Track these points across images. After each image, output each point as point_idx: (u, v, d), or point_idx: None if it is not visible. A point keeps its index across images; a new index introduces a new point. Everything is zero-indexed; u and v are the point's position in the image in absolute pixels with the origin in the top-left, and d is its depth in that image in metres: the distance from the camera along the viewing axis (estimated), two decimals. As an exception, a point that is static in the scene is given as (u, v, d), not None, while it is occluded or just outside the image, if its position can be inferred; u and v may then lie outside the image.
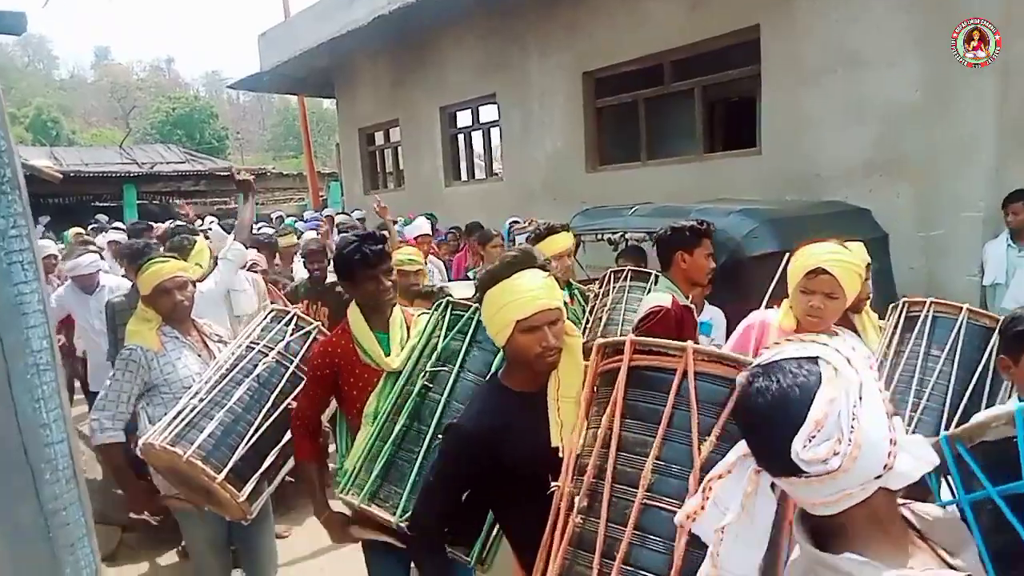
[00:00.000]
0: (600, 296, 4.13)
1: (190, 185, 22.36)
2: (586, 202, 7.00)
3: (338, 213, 8.23)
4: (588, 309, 4.14)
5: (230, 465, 2.62)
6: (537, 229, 3.95)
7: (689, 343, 1.46)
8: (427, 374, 2.28)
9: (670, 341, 1.49)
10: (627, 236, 5.49)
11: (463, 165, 11.62)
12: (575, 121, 8.85)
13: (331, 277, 4.89)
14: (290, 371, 2.87)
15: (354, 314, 2.54)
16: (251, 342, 2.94)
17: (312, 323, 3.06)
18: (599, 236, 5.76)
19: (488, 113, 10.67)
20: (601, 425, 1.54)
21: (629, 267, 4.19)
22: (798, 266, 2.48)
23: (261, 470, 2.72)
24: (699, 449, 1.37)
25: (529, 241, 3.91)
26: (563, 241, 3.81)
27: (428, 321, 2.46)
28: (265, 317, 3.07)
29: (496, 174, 11.11)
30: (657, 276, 3.54)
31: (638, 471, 1.44)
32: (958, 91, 5.60)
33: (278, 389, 2.83)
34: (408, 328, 2.59)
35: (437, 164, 11.35)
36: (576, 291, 4.18)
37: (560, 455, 1.68)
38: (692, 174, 7.59)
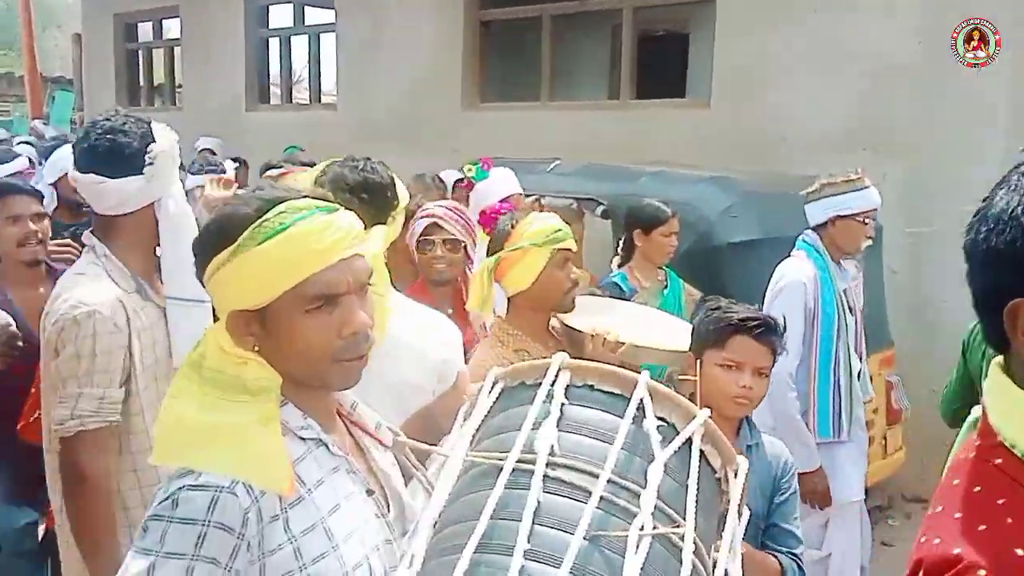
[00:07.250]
0: None
1: None
2: (460, 150, 5.94)
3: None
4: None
5: None
6: None
7: None
8: None
9: None
10: (542, 200, 4.49)
11: (276, 83, 9.66)
12: (449, 38, 7.27)
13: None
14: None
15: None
16: (554, 459, 0.93)
17: (692, 409, 1.06)
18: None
19: (319, 15, 8.70)
20: None
21: None
22: None
23: None
24: None
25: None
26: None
27: None
28: (549, 384, 1.01)
29: (325, 101, 9.23)
30: None
31: None
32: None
33: None
34: None
35: (236, 77, 9.03)
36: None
37: None
38: (612, 123, 6.52)
